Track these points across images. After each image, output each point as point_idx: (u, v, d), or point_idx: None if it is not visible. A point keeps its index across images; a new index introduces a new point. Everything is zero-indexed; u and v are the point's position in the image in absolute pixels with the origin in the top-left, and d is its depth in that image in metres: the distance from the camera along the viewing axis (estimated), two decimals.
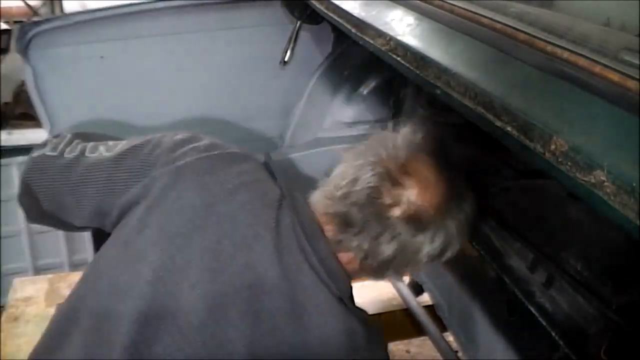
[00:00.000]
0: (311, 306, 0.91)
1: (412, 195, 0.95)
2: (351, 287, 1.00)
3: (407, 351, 2.40)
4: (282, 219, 0.97)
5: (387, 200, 0.94)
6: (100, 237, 1.08)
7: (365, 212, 0.95)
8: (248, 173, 1.04)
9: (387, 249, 0.95)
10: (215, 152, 1.06)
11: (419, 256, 0.98)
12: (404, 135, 1.03)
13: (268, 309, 0.89)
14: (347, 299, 0.97)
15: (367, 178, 0.96)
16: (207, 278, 0.90)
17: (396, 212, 0.94)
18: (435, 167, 0.99)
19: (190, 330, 0.86)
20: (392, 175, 0.96)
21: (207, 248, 0.92)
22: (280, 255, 0.93)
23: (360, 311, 0.99)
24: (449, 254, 1.02)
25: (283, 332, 0.88)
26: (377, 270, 1.00)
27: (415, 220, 0.94)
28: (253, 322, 0.87)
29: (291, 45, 1.82)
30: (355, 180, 0.97)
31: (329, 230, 0.99)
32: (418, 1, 1.15)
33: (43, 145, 1.11)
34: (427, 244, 0.97)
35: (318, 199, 1.03)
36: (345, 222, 0.97)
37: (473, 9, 0.99)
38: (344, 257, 0.99)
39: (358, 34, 1.18)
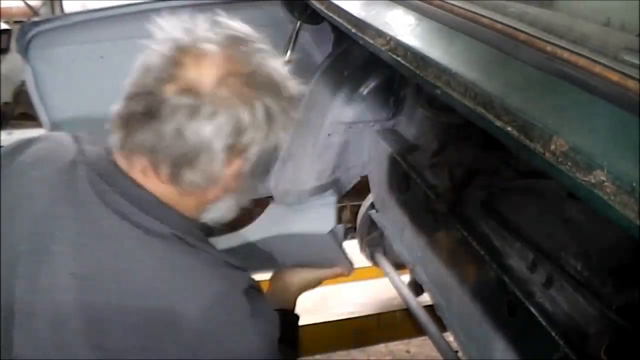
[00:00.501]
0: (126, 258, 0.86)
1: (190, 72, 0.86)
2: (191, 220, 0.94)
3: (407, 351, 2.40)
4: (76, 177, 0.90)
5: (165, 80, 0.85)
6: None
7: (143, 102, 0.86)
8: (45, 149, 0.97)
9: (169, 135, 0.84)
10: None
11: (206, 141, 0.85)
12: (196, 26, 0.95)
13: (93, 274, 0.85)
14: (186, 233, 0.90)
15: (152, 66, 0.88)
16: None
17: (171, 89, 0.85)
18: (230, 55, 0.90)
19: None
20: (174, 57, 0.87)
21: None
22: (81, 224, 0.87)
23: (211, 248, 0.93)
24: (253, 149, 0.90)
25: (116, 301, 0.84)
26: (177, 174, 0.88)
27: (189, 94, 0.84)
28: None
29: (291, 45, 1.82)
30: (138, 73, 0.89)
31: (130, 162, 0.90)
32: (418, 1, 1.15)
33: None
34: (207, 123, 0.84)
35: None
36: (127, 123, 0.88)
37: (473, 9, 0.99)
38: (151, 182, 0.90)
39: (358, 34, 1.18)
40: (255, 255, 1.47)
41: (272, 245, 1.48)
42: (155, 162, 0.88)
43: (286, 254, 1.47)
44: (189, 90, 0.85)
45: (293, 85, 0.96)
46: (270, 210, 1.52)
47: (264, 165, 0.98)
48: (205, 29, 0.94)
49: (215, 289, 0.87)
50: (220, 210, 1.00)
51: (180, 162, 0.87)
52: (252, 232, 1.50)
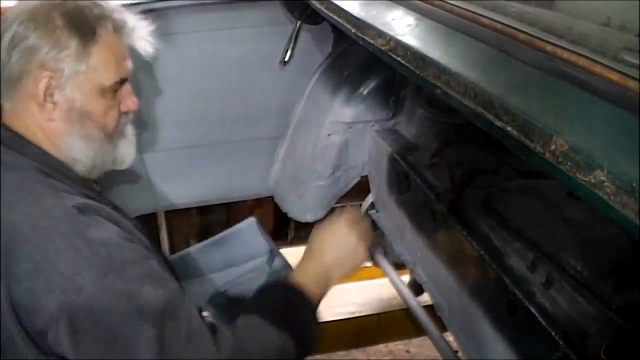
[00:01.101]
0: None
1: None
2: (52, 158, 1.04)
3: (407, 351, 2.40)
4: None
5: None
6: None
7: None
8: None
9: None
10: None
11: (26, 49, 0.99)
12: None
13: None
14: (46, 166, 1.01)
15: None
16: None
17: None
18: None
19: None
20: None
21: None
22: None
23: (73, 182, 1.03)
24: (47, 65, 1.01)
25: None
26: (9, 86, 1.02)
27: None
28: None
29: (291, 45, 1.83)
30: None
31: None
32: (418, 1, 1.15)
33: None
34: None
35: None
36: None
37: (473, 9, 0.99)
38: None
39: (358, 34, 1.18)
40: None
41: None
42: None
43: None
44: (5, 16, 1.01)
45: (131, 32, 1.10)
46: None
47: (94, 103, 1.06)
48: None
49: (48, 204, 0.93)
50: (71, 148, 1.06)
51: (16, 78, 1.00)
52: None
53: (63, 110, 1.03)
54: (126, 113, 1.13)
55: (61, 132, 1.04)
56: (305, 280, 1.09)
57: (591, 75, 0.70)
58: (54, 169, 1.02)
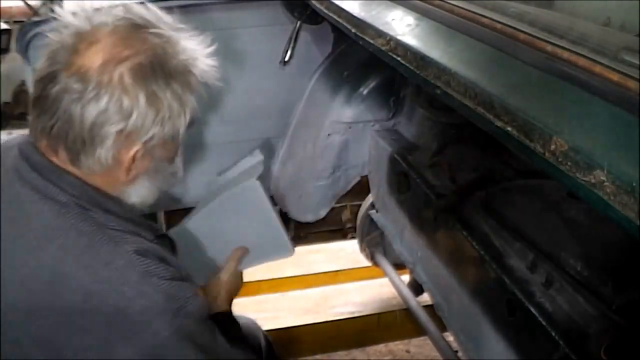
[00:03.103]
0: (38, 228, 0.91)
1: (82, 58, 0.90)
2: (100, 193, 0.96)
3: (407, 351, 2.39)
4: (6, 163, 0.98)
5: (62, 66, 0.90)
6: None
7: (41, 87, 0.92)
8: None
9: (60, 118, 0.90)
10: None
11: (92, 124, 0.89)
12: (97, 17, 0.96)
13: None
14: (90, 203, 0.94)
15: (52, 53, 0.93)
16: None
17: (64, 74, 0.89)
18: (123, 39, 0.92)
19: None
20: (71, 44, 0.91)
21: None
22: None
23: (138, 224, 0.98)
24: (146, 133, 0.92)
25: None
26: (74, 158, 0.93)
27: (78, 79, 0.88)
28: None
29: (291, 45, 1.82)
30: (42, 60, 0.94)
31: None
32: (418, 1, 1.15)
33: None
34: (91, 106, 0.88)
35: None
36: (32, 107, 0.94)
37: (473, 9, 0.99)
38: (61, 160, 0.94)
39: (358, 34, 1.18)
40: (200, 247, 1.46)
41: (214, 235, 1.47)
42: (54, 145, 0.93)
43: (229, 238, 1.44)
44: (78, 75, 0.89)
45: (200, 69, 1.01)
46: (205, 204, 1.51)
47: (171, 150, 1.03)
48: (105, 15, 0.95)
49: (105, 252, 0.90)
50: (140, 193, 1.03)
51: (74, 146, 0.91)
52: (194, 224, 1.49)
53: (143, 163, 0.98)
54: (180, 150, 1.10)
55: (132, 181, 1.00)
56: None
57: (591, 75, 0.70)
58: (93, 204, 0.95)
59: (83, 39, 0.92)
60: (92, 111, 0.88)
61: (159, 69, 0.92)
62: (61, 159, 0.94)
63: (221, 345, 1.02)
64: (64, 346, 0.88)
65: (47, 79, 0.91)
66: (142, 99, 0.90)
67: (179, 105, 0.96)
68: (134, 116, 0.90)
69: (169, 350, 0.89)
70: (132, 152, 0.94)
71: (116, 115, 0.89)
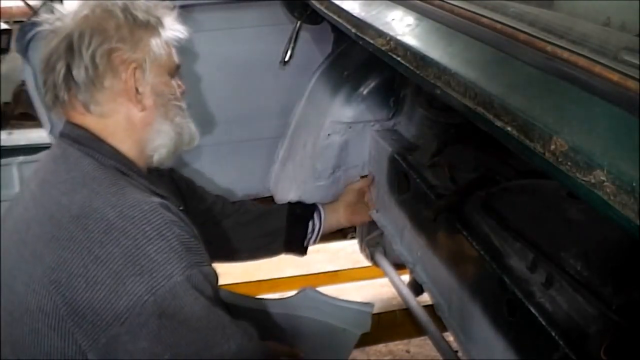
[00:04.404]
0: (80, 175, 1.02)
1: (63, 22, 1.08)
2: (133, 163, 1.10)
3: (407, 351, 2.40)
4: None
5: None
6: None
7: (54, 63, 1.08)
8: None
9: (60, 72, 1.06)
10: None
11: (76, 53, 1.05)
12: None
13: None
14: (127, 168, 1.07)
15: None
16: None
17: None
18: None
19: None
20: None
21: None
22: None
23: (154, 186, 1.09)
24: (129, 53, 1.09)
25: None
26: (85, 102, 1.07)
27: (61, 38, 1.07)
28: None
29: (291, 45, 1.82)
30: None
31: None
32: (418, 1, 1.15)
33: None
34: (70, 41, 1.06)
35: None
36: (46, 84, 1.10)
37: (473, 9, 0.99)
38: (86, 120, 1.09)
39: (358, 34, 1.18)
40: (267, 325, 1.44)
41: (290, 323, 1.47)
42: (71, 103, 1.09)
43: (298, 337, 1.44)
44: (60, 34, 1.07)
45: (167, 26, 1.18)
46: (306, 291, 1.51)
47: (170, 85, 1.16)
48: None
49: (133, 197, 0.98)
50: (161, 138, 1.15)
51: (74, 86, 1.07)
52: (278, 305, 1.49)
53: (151, 98, 1.12)
54: (183, 94, 1.23)
55: (150, 120, 1.13)
56: None
57: (591, 75, 0.70)
58: (130, 169, 1.08)
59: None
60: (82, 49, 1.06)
61: (127, 11, 1.11)
62: (85, 120, 1.08)
63: (225, 316, 1.02)
64: (76, 274, 0.90)
65: (52, 58, 1.07)
66: (112, 23, 1.08)
67: (147, 38, 1.12)
68: (113, 37, 1.07)
69: (177, 295, 0.91)
70: (129, 78, 1.08)
71: (92, 38, 1.06)
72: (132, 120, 1.11)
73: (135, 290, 0.89)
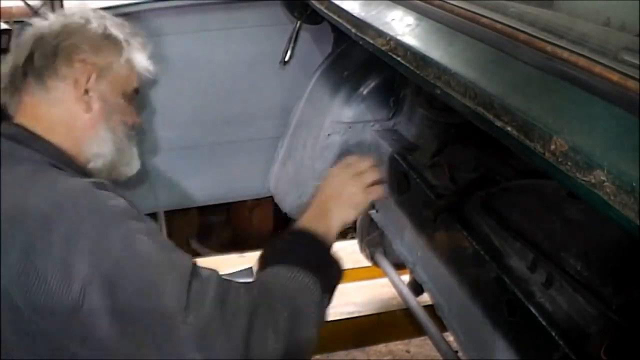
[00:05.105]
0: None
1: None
2: (71, 157, 1.10)
3: (407, 351, 2.40)
4: None
5: None
6: None
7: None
8: None
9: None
10: None
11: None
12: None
13: None
14: (59, 161, 1.05)
15: None
16: None
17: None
18: None
19: None
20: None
21: None
22: None
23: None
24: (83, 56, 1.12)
25: None
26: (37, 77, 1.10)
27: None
28: None
29: (291, 45, 1.83)
30: None
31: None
32: (418, 1, 1.15)
33: None
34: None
35: None
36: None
37: (473, 9, 0.99)
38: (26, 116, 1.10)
39: (358, 34, 1.18)
40: None
41: None
42: (18, 91, 1.11)
43: None
44: (35, 29, 1.15)
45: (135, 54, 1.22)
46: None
47: (121, 102, 1.19)
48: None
49: (63, 183, 0.97)
50: (99, 144, 1.15)
51: (30, 71, 1.10)
52: None
53: (98, 103, 1.14)
54: (134, 125, 1.25)
55: (91, 124, 1.14)
56: (307, 223, 1.11)
57: (591, 75, 0.70)
58: (66, 164, 1.07)
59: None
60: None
61: (101, 25, 1.17)
62: (28, 112, 1.10)
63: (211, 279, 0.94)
64: (27, 273, 0.88)
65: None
66: (84, 27, 1.15)
67: (113, 50, 1.17)
68: (81, 36, 1.13)
69: (126, 267, 0.88)
70: (83, 76, 1.11)
71: (63, 41, 1.11)
72: (74, 119, 1.13)
73: (82, 272, 0.86)
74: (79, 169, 1.11)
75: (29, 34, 1.14)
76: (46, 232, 0.90)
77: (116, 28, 1.20)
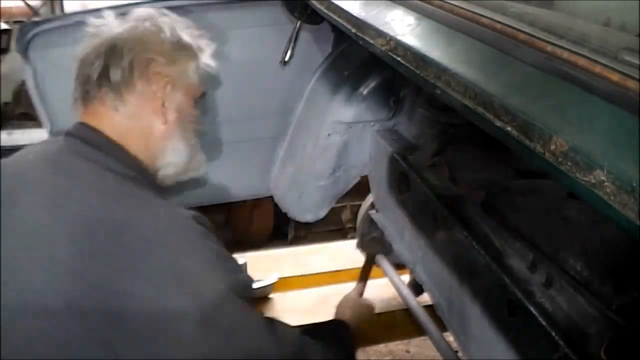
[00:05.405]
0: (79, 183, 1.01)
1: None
2: (143, 167, 1.11)
3: (407, 351, 2.40)
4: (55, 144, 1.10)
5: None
6: None
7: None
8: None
9: (95, 70, 1.10)
10: None
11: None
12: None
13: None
14: (142, 176, 1.09)
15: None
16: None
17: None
18: None
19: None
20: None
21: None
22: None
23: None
24: (162, 68, 1.13)
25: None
26: (117, 95, 1.10)
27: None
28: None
29: (291, 45, 1.83)
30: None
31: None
32: (418, 1, 1.15)
33: None
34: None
35: None
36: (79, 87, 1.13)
37: (473, 9, 0.99)
38: (103, 121, 1.10)
39: (358, 34, 1.18)
40: None
41: None
42: (98, 100, 1.10)
43: None
44: (104, 37, 1.13)
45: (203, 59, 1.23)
46: None
47: (191, 109, 1.21)
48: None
49: (165, 211, 1.00)
50: (174, 154, 1.18)
51: (106, 85, 1.09)
52: None
53: (174, 114, 1.15)
54: (201, 131, 1.27)
55: (168, 135, 1.16)
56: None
57: (591, 75, 0.70)
58: (141, 173, 1.10)
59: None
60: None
61: (173, 34, 1.17)
62: (105, 123, 1.09)
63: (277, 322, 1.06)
64: (118, 291, 0.89)
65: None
66: (157, 37, 1.14)
67: (184, 61, 1.17)
68: (155, 46, 1.12)
69: (224, 307, 0.94)
70: (160, 89, 1.12)
71: (138, 54, 1.10)
72: (153, 131, 1.13)
73: (180, 304, 0.90)
74: (150, 178, 1.14)
75: (98, 42, 1.12)
76: (147, 255, 0.92)
77: (186, 33, 1.19)
